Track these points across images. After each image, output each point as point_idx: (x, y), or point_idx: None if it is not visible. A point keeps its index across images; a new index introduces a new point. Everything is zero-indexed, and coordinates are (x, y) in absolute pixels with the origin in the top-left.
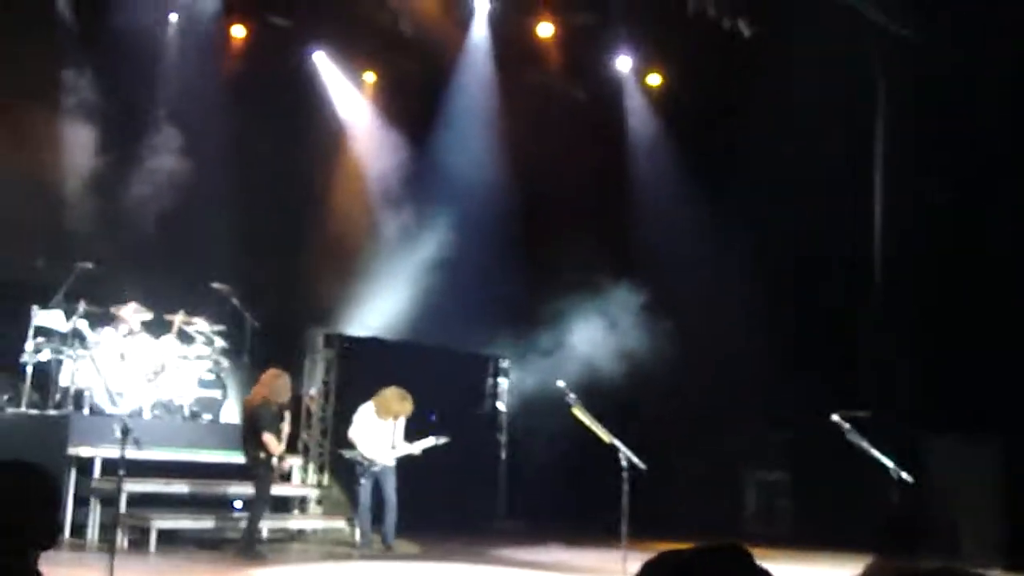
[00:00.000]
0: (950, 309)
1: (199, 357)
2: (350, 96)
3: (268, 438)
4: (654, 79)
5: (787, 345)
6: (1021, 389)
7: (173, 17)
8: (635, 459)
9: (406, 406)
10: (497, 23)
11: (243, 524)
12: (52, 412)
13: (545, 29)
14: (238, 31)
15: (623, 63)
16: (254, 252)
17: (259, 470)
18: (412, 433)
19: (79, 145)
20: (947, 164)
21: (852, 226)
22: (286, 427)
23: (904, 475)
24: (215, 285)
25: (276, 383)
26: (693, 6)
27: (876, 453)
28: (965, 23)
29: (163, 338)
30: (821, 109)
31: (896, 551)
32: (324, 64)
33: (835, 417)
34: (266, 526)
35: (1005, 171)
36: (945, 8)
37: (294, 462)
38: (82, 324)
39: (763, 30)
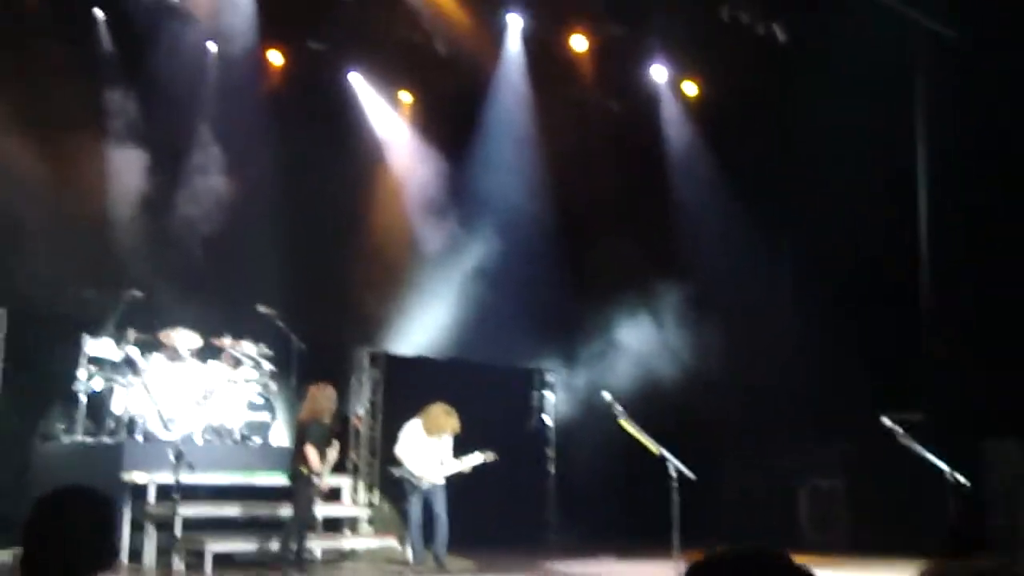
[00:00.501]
0: (1004, 310)
1: (247, 380)
2: (388, 116)
3: (309, 451)
4: (690, 88)
5: (838, 352)
6: None
7: (212, 46)
8: (684, 469)
9: (452, 422)
10: (530, 39)
11: (291, 544)
12: (106, 439)
13: (579, 42)
14: (275, 56)
15: (658, 73)
16: (298, 273)
17: (297, 485)
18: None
19: (124, 172)
20: (992, 165)
21: (899, 230)
22: (333, 453)
23: (960, 478)
24: (260, 308)
25: (319, 395)
26: (726, 13)
27: (930, 456)
28: (1009, 22)
29: (211, 362)
30: (860, 112)
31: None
32: (361, 85)
33: (886, 420)
34: (319, 547)
35: None
36: (988, 7)
37: (343, 482)
38: (133, 351)
39: (798, 35)
